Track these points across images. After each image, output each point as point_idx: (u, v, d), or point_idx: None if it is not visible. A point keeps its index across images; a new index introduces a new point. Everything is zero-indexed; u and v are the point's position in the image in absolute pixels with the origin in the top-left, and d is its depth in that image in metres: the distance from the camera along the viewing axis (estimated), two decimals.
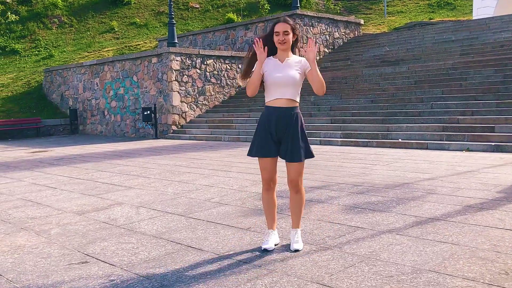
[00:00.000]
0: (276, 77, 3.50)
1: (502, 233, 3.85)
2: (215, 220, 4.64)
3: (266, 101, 3.61)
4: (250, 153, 3.64)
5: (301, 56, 3.63)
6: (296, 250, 3.57)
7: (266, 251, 3.59)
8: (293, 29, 3.53)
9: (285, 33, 3.48)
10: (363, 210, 4.80)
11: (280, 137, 3.54)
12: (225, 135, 14.05)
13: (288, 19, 3.54)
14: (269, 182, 3.65)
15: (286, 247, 3.71)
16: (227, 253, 3.64)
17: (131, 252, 3.77)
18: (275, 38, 3.50)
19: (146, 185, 6.78)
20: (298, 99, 3.59)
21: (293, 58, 3.59)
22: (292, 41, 3.55)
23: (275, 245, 3.71)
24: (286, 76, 3.49)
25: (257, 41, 3.50)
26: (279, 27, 3.48)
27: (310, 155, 3.61)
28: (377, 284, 2.93)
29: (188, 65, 15.95)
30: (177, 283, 3.08)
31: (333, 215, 4.66)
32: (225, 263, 3.43)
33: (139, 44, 28.03)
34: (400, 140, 10.23)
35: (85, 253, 3.80)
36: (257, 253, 3.59)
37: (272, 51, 3.58)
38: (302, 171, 3.60)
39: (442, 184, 5.94)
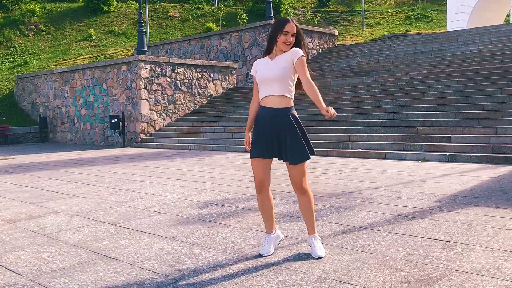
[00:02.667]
0: (263, 73, 3.44)
1: (421, 242, 3.85)
2: (144, 229, 4.56)
3: (259, 99, 3.53)
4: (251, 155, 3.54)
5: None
6: (319, 257, 3.48)
7: (261, 257, 3.54)
8: (299, 33, 3.46)
9: (293, 35, 3.41)
10: (295, 219, 4.77)
11: (276, 139, 3.43)
12: (192, 143, 13.97)
13: (296, 21, 3.46)
14: (260, 184, 3.53)
15: (201, 257, 3.65)
16: (140, 263, 3.57)
17: (44, 261, 3.68)
18: (282, 37, 3.38)
19: (91, 194, 6.67)
20: (290, 95, 3.45)
21: (282, 55, 3.46)
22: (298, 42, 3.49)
23: (279, 241, 3.72)
24: (272, 71, 3.41)
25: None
26: (289, 27, 3.37)
27: (311, 153, 3.49)
28: None
29: (158, 73, 15.88)
30: None
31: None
32: (134, 272, 3.36)
33: (115, 52, 27.90)
34: (359, 149, 10.28)
35: None
36: (172, 262, 3.53)
37: (268, 51, 3.52)
38: (304, 171, 3.48)
39: (383, 193, 5.95)
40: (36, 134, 19.41)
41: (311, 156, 3.48)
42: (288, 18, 3.45)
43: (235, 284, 3.07)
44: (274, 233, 3.69)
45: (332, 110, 3.28)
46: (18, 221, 5.11)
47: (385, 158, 9.66)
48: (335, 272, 3.24)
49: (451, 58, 15.63)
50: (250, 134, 3.63)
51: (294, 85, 3.50)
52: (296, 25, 3.40)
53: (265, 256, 3.56)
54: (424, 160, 9.09)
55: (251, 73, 3.60)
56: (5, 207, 5.88)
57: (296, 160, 3.41)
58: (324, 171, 8.15)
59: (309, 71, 3.43)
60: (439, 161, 8.89)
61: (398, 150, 9.79)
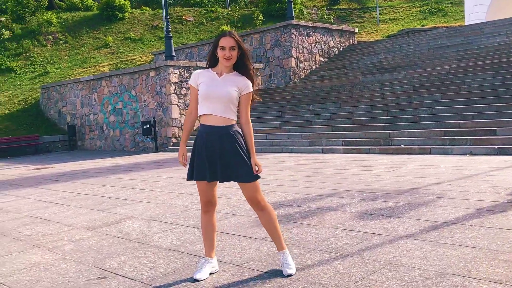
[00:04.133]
0: (210, 90, 3.21)
1: None
2: (228, 231, 4.61)
3: (199, 116, 3.33)
4: (189, 177, 3.38)
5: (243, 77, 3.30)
6: (289, 275, 3.26)
7: (196, 281, 3.29)
8: (239, 45, 3.21)
9: (232, 48, 3.17)
10: (376, 217, 4.79)
11: (219, 159, 3.22)
12: None
13: (235, 33, 3.22)
14: (207, 205, 3.39)
15: (303, 255, 3.69)
16: (246, 264, 3.61)
17: (149, 266, 3.74)
18: (220, 53, 3.19)
19: (153, 199, 6.75)
20: (233, 117, 3.27)
21: (232, 75, 3.27)
22: (237, 56, 3.24)
23: (211, 274, 3.40)
24: (221, 91, 3.20)
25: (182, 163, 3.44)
26: (224, 42, 3.17)
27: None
28: None
29: (186, 78, 15.97)
30: None
31: (347, 222, 4.64)
32: (246, 273, 3.41)
33: (134, 58, 28.09)
34: (402, 146, 10.26)
35: (102, 268, 3.76)
36: (277, 262, 3.56)
37: (211, 63, 3.33)
38: (257, 188, 3.29)
39: (451, 189, 5.95)
40: (65, 142, 19.60)
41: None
42: (226, 31, 3.26)
43: (356, 282, 3.10)
44: (213, 259, 3.46)
45: (260, 168, 3.27)
46: (97, 227, 5.19)
47: (430, 153, 9.63)
48: (449, 267, 3.26)
49: (479, 51, 15.53)
50: (185, 148, 3.46)
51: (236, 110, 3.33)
52: (234, 38, 3.18)
53: (200, 280, 3.29)
54: (471, 154, 9.05)
55: (190, 83, 3.35)
56: (76, 215, 5.97)
57: (250, 177, 3.24)
58: (377, 168, 8.15)
59: (253, 100, 3.32)
60: (487, 154, 8.85)
61: (443, 145, 9.76)
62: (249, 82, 3.28)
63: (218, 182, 3.33)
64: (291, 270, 3.31)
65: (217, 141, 3.21)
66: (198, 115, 3.33)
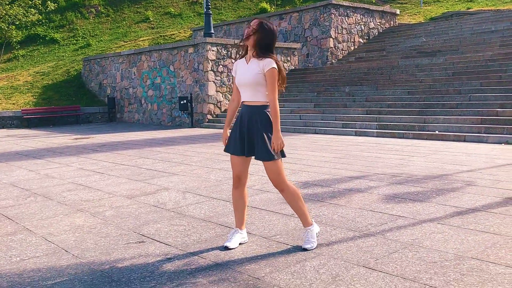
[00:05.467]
0: (239, 78, 3.48)
1: None
2: (258, 206, 4.84)
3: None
4: (225, 149, 3.63)
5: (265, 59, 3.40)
6: (305, 249, 3.48)
7: (227, 249, 3.53)
8: (262, 29, 3.36)
9: (253, 29, 3.37)
10: (403, 200, 4.91)
11: (250, 136, 3.43)
12: None
13: (265, 20, 3.42)
14: (237, 179, 3.57)
15: (328, 232, 3.88)
16: (274, 237, 3.83)
17: (184, 234, 4.00)
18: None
19: (188, 172, 7.04)
20: (263, 99, 3.42)
21: (257, 60, 3.41)
22: (258, 40, 3.38)
23: (241, 244, 3.63)
24: (247, 77, 3.41)
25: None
26: (251, 22, 3.44)
27: (282, 154, 3.45)
28: (421, 269, 3.07)
29: (224, 55, 16.16)
30: (230, 262, 3.29)
31: (374, 204, 4.79)
32: (274, 246, 3.62)
33: (173, 34, 28.43)
34: (437, 132, 10.20)
35: (140, 233, 4.06)
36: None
37: (243, 52, 3.56)
38: (279, 170, 3.43)
39: (481, 176, 5.98)
40: (105, 114, 20.24)
41: (280, 157, 3.43)
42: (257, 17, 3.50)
43: (377, 259, 3.27)
44: (242, 230, 3.66)
45: (278, 146, 3.33)
46: (136, 196, 5.51)
47: (464, 141, 9.57)
48: (469, 250, 3.38)
49: None
50: (228, 131, 3.66)
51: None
52: (259, 20, 3.39)
53: (230, 248, 3.52)
54: (508, 143, 8.95)
55: (231, 73, 3.62)
56: (116, 184, 6.32)
57: (266, 156, 3.37)
58: (409, 153, 8.20)
59: (278, 86, 3.41)
60: None
61: (478, 133, 9.66)
62: (271, 60, 3.37)
63: (249, 159, 3.54)
64: (307, 245, 3.51)
65: (246, 120, 3.45)
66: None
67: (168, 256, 3.48)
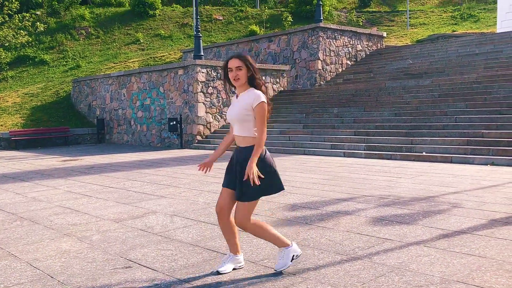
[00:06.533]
0: (228, 115, 3.53)
1: None
2: None
3: None
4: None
5: (258, 91, 3.41)
6: (275, 271, 3.57)
7: (218, 274, 3.55)
8: (246, 64, 3.38)
9: (238, 68, 3.36)
10: (390, 222, 4.94)
11: (237, 173, 3.46)
12: None
13: (242, 54, 3.43)
14: (219, 211, 3.54)
15: (316, 256, 3.89)
16: (261, 261, 3.83)
17: (171, 259, 3.99)
18: (229, 75, 3.40)
19: (177, 195, 7.03)
20: (250, 135, 3.42)
21: (246, 93, 3.43)
22: (248, 76, 3.40)
23: (235, 269, 3.63)
24: (234, 113, 3.45)
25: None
26: (231, 63, 3.38)
27: (279, 188, 3.58)
28: None
29: (213, 77, 16.28)
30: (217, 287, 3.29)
31: (361, 226, 4.82)
32: (261, 270, 3.62)
33: (163, 55, 28.60)
34: (424, 153, 10.31)
35: (127, 258, 4.03)
36: (290, 262, 3.77)
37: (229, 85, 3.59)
38: (246, 212, 3.40)
39: (467, 198, 6.05)
40: (94, 136, 20.18)
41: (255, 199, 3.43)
42: (233, 55, 3.43)
43: (364, 284, 3.29)
44: (238, 256, 3.67)
45: (251, 175, 3.27)
46: (123, 220, 5.48)
47: (451, 162, 9.68)
48: (455, 274, 3.41)
49: (508, 59, 15.38)
50: (213, 163, 3.70)
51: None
52: (239, 58, 3.37)
53: (221, 273, 3.55)
54: (493, 164, 9.07)
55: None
56: (103, 207, 6.29)
57: (239, 196, 3.41)
58: (396, 175, 8.27)
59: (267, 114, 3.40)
60: (509, 165, 8.85)
61: (465, 154, 9.79)
62: (259, 93, 3.38)
63: (235, 198, 3.49)
64: (277, 266, 3.56)
65: (235, 159, 3.50)
66: None
67: (155, 282, 3.47)
